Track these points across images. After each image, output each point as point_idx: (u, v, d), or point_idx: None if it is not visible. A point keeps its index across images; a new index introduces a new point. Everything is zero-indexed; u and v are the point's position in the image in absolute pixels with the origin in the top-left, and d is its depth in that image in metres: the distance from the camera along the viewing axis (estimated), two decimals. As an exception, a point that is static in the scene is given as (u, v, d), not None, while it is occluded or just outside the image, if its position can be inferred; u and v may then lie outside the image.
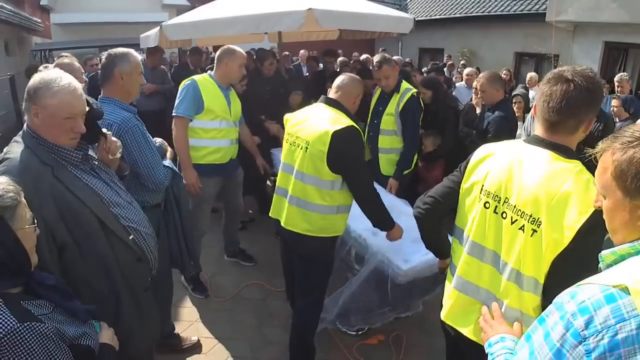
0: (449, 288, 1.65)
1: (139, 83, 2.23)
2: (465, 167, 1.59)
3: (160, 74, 5.73)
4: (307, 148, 2.23)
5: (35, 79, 1.53)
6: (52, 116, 1.51)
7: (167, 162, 2.31)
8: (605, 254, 0.97)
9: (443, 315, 1.67)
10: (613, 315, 0.82)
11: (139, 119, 2.18)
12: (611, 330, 0.81)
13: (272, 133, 4.34)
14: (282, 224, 2.41)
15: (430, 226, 1.78)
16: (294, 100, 4.62)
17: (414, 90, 3.55)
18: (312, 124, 2.27)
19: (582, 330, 0.84)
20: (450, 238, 1.74)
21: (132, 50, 2.23)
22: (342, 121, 2.21)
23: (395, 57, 6.99)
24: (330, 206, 2.29)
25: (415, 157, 3.78)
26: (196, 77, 3.18)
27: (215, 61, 3.24)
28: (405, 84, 3.57)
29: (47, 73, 1.55)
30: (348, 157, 2.20)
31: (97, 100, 2.19)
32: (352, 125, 2.20)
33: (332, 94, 2.38)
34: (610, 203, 0.97)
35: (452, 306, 1.62)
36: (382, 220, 2.39)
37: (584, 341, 0.84)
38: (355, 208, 2.99)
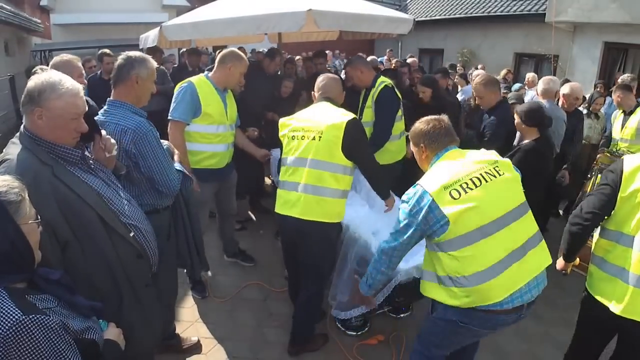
0: (621, 286, 1.89)
1: (150, 90, 2.21)
2: (620, 179, 1.88)
3: (160, 75, 5.72)
4: (320, 137, 2.44)
5: (37, 81, 1.52)
6: (58, 117, 1.52)
7: (178, 166, 2.32)
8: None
9: (619, 311, 1.89)
10: (416, 193, 1.89)
11: (151, 124, 2.17)
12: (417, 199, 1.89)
13: (268, 118, 4.50)
14: (296, 215, 2.47)
15: (586, 237, 2.07)
16: (285, 88, 4.68)
17: (388, 82, 3.59)
18: (323, 116, 2.51)
19: (405, 194, 1.93)
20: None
21: (150, 57, 2.21)
22: (349, 113, 2.52)
23: (409, 60, 7.07)
24: (342, 190, 2.51)
25: (404, 150, 3.80)
26: (193, 79, 3.11)
27: (218, 61, 3.15)
28: (381, 78, 3.62)
29: (49, 75, 1.55)
30: (360, 141, 2.51)
31: (104, 103, 2.18)
32: (356, 117, 2.54)
33: (322, 94, 2.67)
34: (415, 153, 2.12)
35: (630, 302, 1.86)
36: (383, 190, 2.74)
37: (407, 202, 1.91)
38: (354, 210, 3.01)
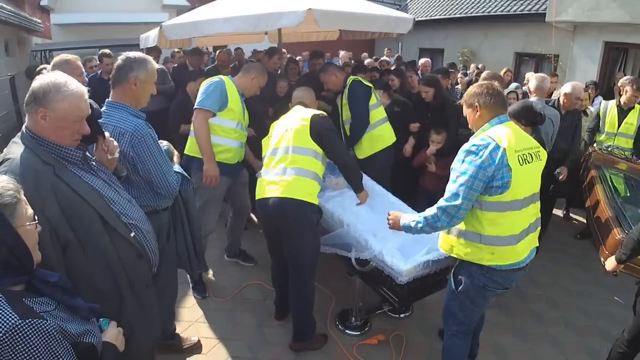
0: None
1: (150, 92, 2.18)
2: None
3: (160, 74, 5.71)
4: (292, 128, 2.73)
5: (42, 82, 1.52)
6: (61, 119, 1.53)
7: (177, 168, 2.32)
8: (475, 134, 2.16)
9: None
10: (488, 145, 1.99)
11: (149, 126, 2.15)
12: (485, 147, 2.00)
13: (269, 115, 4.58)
14: (275, 195, 2.61)
15: None
16: (280, 88, 4.73)
17: (354, 77, 3.96)
18: (295, 115, 2.84)
19: (472, 145, 2.03)
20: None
21: (150, 58, 2.18)
22: (319, 112, 2.85)
23: (422, 60, 7.12)
24: (314, 172, 2.69)
25: (393, 134, 4.02)
26: (221, 77, 3.27)
27: (243, 69, 3.40)
28: (350, 77, 3.94)
29: (54, 77, 1.55)
30: (326, 130, 2.74)
31: (104, 103, 2.16)
32: (324, 114, 2.86)
33: (296, 99, 3.06)
34: (468, 115, 2.22)
35: None
36: (356, 181, 2.92)
37: (476, 154, 1.99)
38: (354, 210, 3.00)
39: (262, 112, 4.44)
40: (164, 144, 2.39)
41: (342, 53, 9.48)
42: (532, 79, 4.16)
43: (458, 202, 2.00)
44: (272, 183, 2.67)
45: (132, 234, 1.72)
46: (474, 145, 2.02)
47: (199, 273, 3.32)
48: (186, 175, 2.36)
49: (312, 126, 2.70)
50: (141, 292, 1.78)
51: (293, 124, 2.76)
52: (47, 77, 1.55)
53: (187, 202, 2.47)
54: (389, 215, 2.40)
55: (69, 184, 1.55)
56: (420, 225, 2.17)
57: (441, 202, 2.08)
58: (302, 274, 2.74)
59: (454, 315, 2.31)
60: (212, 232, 3.46)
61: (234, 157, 3.31)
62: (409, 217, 2.27)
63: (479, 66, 8.73)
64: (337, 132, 2.84)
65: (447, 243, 2.23)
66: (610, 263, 2.47)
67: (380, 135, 3.90)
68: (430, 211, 2.13)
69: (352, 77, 3.93)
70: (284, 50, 6.62)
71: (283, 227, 2.69)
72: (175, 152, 2.50)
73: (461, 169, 2.02)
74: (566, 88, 4.18)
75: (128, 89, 2.10)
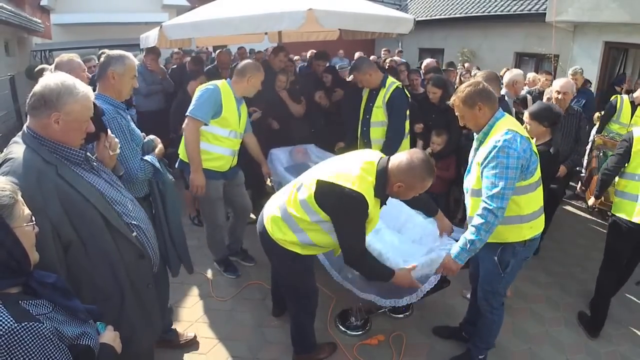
0: (637, 205, 2.87)
1: (130, 85, 2.32)
2: (632, 142, 2.92)
3: (161, 73, 5.71)
4: (304, 184, 2.21)
5: (52, 85, 1.51)
6: (74, 121, 1.55)
7: (148, 157, 2.31)
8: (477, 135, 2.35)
9: (638, 220, 2.84)
10: (514, 139, 2.15)
11: (120, 113, 2.22)
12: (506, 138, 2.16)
13: (273, 127, 4.66)
14: (264, 224, 2.36)
15: (611, 181, 3.15)
16: (280, 82, 4.71)
17: (399, 83, 3.78)
18: (337, 163, 2.21)
19: (503, 142, 2.14)
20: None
21: (129, 54, 2.32)
22: (352, 183, 2.00)
23: (427, 60, 7.12)
24: (304, 232, 2.23)
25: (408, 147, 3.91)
26: (218, 82, 3.19)
27: (237, 72, 3.23)
28: (390, 79, 3.78)
29: (62, 79, 1.55)
30: (329, 207, 2.10)
31: None
32: (358, 193, 1.98)
33: (395, 163, 2.08)
34: (467, 114, 2.30)
35: None
36: (375, 277, 2.32)
37: (510, 147, 2.12)
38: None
39: (264, 111, 4.44)
40: (151, 137, 2.45)
41: (356, 55, 9.39)
42: (506, 74, 4.23)
43: (503, 202, 2.13)
44: (267, 208, 2.43)
45: (134, 234, 1.72)
46: (505, 141, 2.12)
47: (225, 256, 3.53)
48: (158, 167, 2.31)
49: (315, 193, 2.11)
50: (142, 291, 1.78)
51: (320, 171, 2.17)
52: (54, 79, 1.54)
53: (164, 195, 2.42)
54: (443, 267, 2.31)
55: (71, 184, 1.55)
56: (476, 239, 2.14)
57: (487, 206, 2.11)
58: (296, 310, 2.63)
59: (498, 294, 2.49)
60: (223, 226, 3.56)
61: (225, 165, 3.30)
62: (454, 247, 2.24)
63: (474, 67, 8.73)
64: (351, 213, 2.07)
65: (503, 235, 2.37)
66: (590, 200, 3.45)
67: (403, 148, 3.73)
68: (478, 220, 2.13)
69: (393, 81, 3.76)
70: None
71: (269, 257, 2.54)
72: (159, 146, 2.45)
73: (500, 165, 2.12)
74: (557, 85, 4.06)
75: (108, 83, 2.25)
